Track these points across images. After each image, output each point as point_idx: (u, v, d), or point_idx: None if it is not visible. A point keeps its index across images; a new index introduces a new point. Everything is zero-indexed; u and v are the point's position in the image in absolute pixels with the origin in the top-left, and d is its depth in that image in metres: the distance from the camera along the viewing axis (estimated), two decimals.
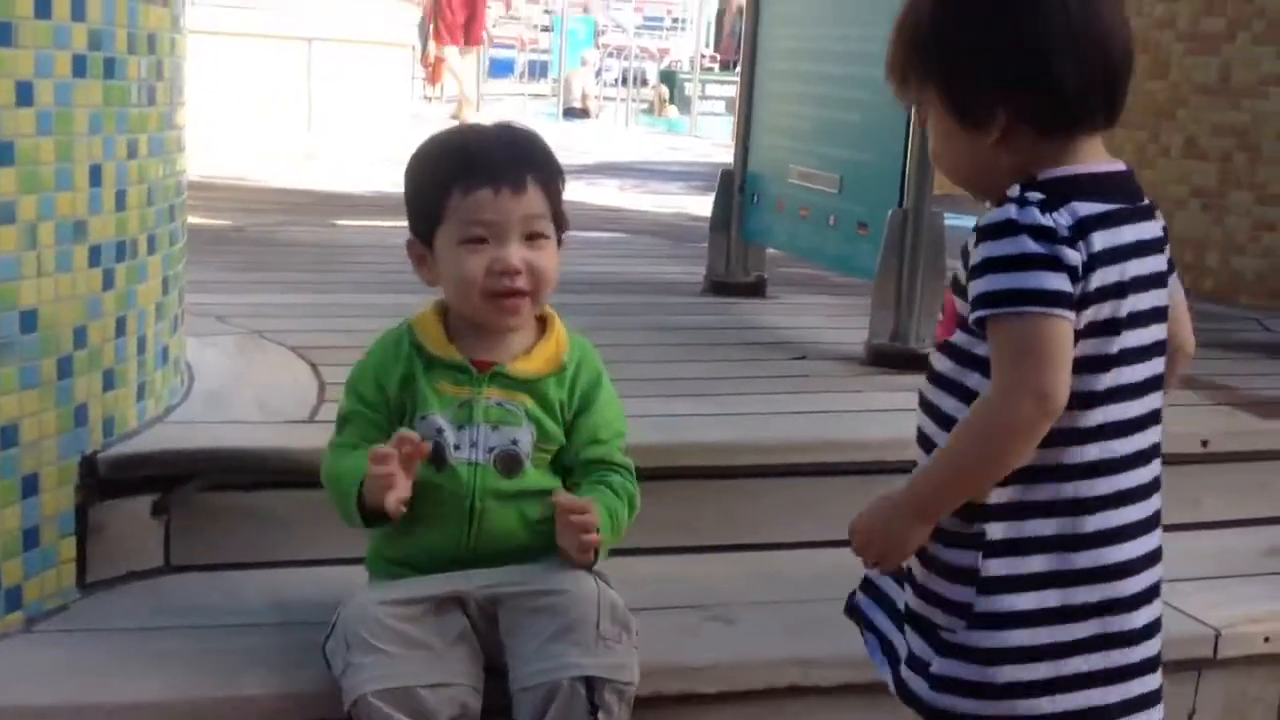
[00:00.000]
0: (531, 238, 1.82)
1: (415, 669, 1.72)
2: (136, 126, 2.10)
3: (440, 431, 1.82)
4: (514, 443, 1.84)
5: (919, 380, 1.58)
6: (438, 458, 1.81)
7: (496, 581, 1.82)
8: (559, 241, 1.87)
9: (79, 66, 1.95)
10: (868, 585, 1.69)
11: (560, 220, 1.87)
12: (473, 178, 1.79)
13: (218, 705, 1.82)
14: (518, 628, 1.79)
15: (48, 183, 1.91)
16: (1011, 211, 1.42)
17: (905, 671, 1.55)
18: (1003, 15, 1.47)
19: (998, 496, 1.46)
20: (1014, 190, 1.45)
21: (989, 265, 1.42)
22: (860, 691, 1.98)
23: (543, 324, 1.90)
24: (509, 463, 1.83)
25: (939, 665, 1.51)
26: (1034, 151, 1.49)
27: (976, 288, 1.42)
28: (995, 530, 1.47)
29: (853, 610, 1.71)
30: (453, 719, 1.72)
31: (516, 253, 1.80)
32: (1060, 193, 1.44)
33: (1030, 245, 1.41)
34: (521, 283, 1.80)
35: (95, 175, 2.00)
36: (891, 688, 1.60)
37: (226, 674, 1.86)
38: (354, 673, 1.71)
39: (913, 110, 1.61)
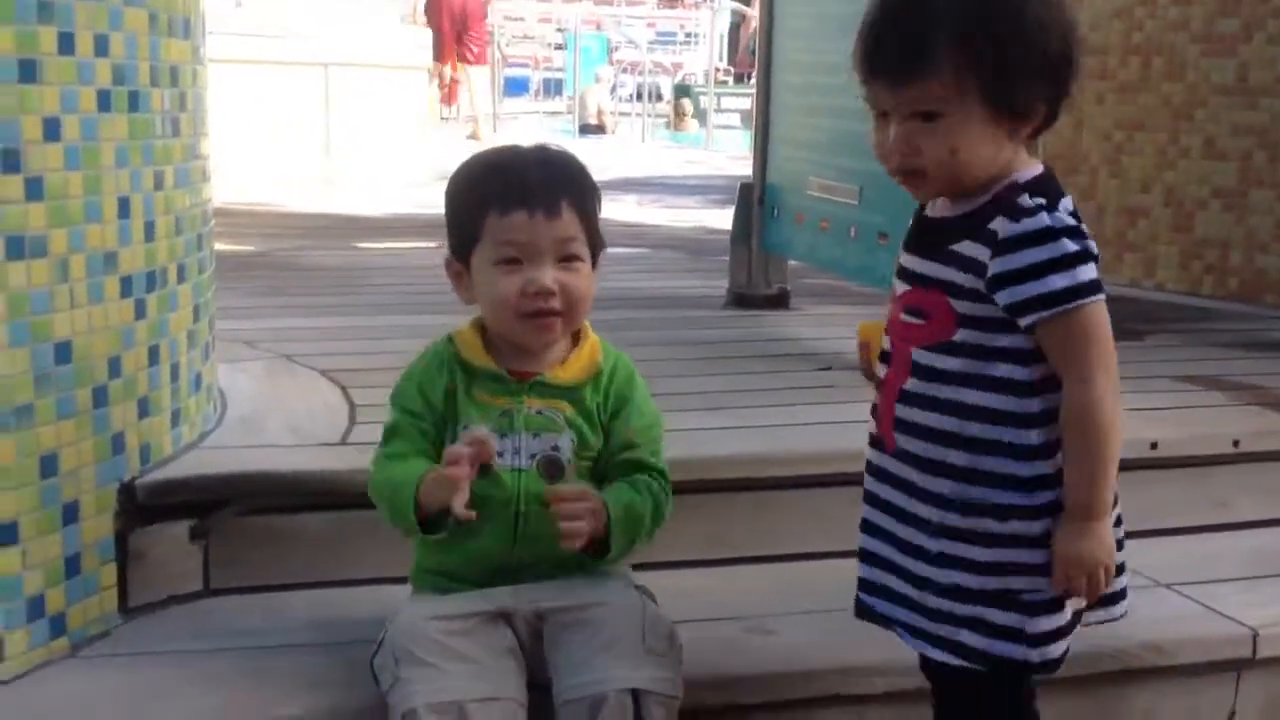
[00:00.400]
0: (566, 259, 1.84)
1: (464, 683, 1.72)
2: (162, 158, 2.13)
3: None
4: (555, 448, 1.86)
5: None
6: (483, 465, 1.83)
7: (541, 596, 1.84)
8: (595, 261, 1.89)
9: (104, 101, 1.98)
10: (867, 585, 1.74)
11: (596, 241, 1.88)
12: (509, 200, 1.81)
13: None
14: (561, 641, 1.81)
15: (77, 216, 1.93)
16: (1045, 219, 1.54)
17: (999, 646, 1.61)
18: (1047, 6, 1.55)
19: (1051, 468, 1.60)
20: (1025, 199, 1.55)
21: (1040, 269, 1.53)
22: (902, 699, 1.99)
23: (577, 335, 1.92)
24: (551, 467, 1.85)
25: (1033, 624, 1.61)
26: (1017, 150, 1.60)
27: (1029, 290, 1.53)
28: (1052, 497, 1.60)
29: (865, 612, 1.75)
30: None
31: (550, 274, 1.82)
32: (1051, 192, 1.58)
33: (1070, 245, 1.54)
34: (555, 303, 1.82)
35: (124, 207, 2.03)
36: (946, 658, 1.65)
37: (271, 694, 1.88)
38: (403, 687, 1.72)
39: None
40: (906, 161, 1.59)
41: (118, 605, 2.07)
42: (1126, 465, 2.59)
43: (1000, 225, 1.55)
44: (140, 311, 2.08)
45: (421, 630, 1.78)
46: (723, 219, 4.19)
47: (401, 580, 1.97)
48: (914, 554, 1.66)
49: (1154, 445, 2.62)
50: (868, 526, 1.74)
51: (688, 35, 28.99)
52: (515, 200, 1.81)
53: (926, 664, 1.73)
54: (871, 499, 1.73)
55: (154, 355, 2.13)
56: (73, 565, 1.97)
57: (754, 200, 3.95)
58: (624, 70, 21.62)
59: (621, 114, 20.27)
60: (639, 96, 19.43)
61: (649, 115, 18.70)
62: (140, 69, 2.06)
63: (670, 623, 1.84)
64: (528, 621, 1.84)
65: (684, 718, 1.79)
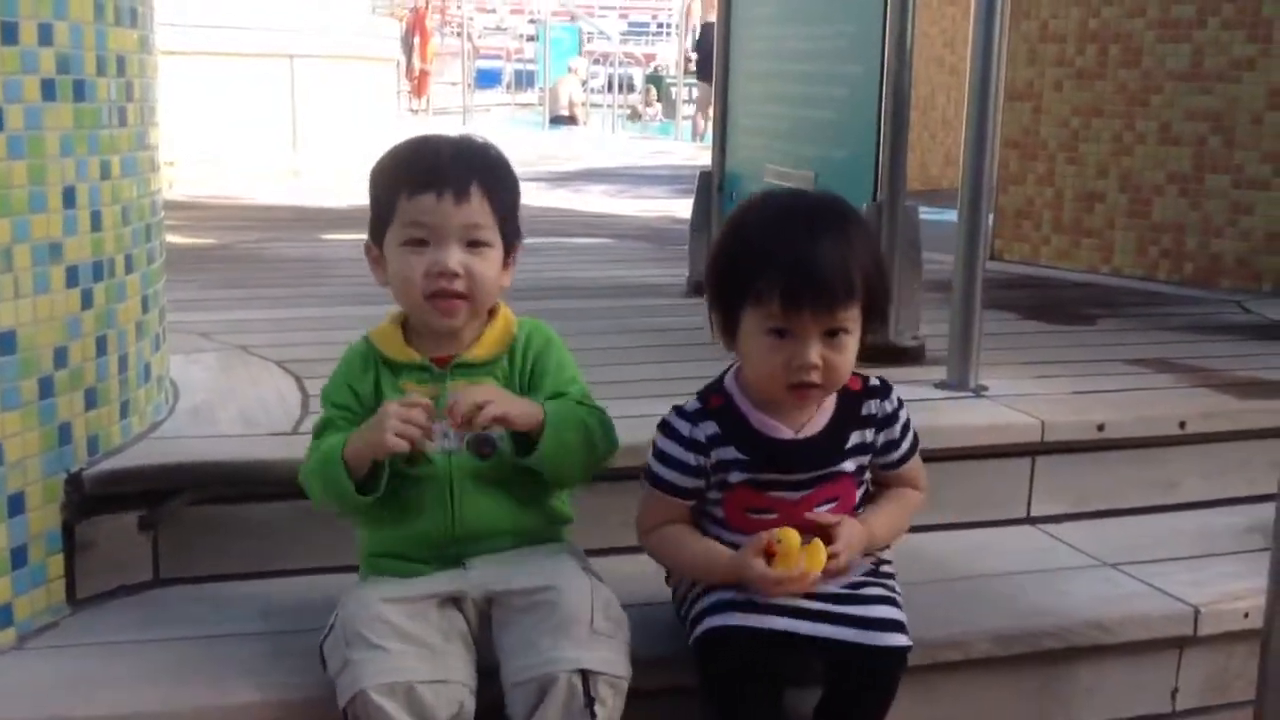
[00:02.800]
0: (473, 244, 1.85)
1: (414, 665, 1.74)
2: (108, 148, 2.12)
3: None
4: (485, 427, 1.87)
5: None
6: (413, 452, 1.84)
7: (491, 580, 1.86)
8: (509, 251, 1.91)
9: (48, 90, 1.97)
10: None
11: (510, 230, 1.90)
12: (419, 182, 1.84)
13: (211, 714, 1.84)
14: (511, 624, 1.82)
15: (21, 206, 1.93)
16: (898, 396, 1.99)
17: (895, 638, 1.84)
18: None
19: None
20: (872, 381, 1.97)
21: (906, 427, 1.99)
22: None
23: (491, 313, 1.93)
24: (482, 445, 1.86)
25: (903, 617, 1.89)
26: None
27: (909, 440, 1.99)
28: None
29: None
30: (451, 717, 1.74)
31: (455, 257, 1.83)
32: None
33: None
34: (459, 286, 1.84)
35: (69, 197, 2.02)
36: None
37: (219, 683, 1.88)
38: (352, 669, 1.73)
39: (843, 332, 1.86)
40: (819, 374, 1.83)
41: (66, 596, 2.07)
42: (1074, 447, 2.66)
43: (876, 407, 1.94)
44: (87, 302, 2.08)
45: (371, 613, 1.78)
46: (689, 208, 4.20)
47: (352, 569, 1.98)
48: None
49: (1101, 427, 2.65)
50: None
51: (660, 26, 29.00)
52: (424, 183, 1.83)
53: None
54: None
55: (102, 346, 2.13)
56: (19, 556, 1.97)
57: (713, 188, 3.97)
58: (596, 61, 21.61)
59: (593, 105, 20.26)
60: (610, 88, 19.43)
61: (619, 107, 18.69)
62: (86, 58, 2.06)
63: (619, 605, 1.86)
64: (477, 605, 1.86)
65: (631, 698, 1.81)
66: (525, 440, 1.83)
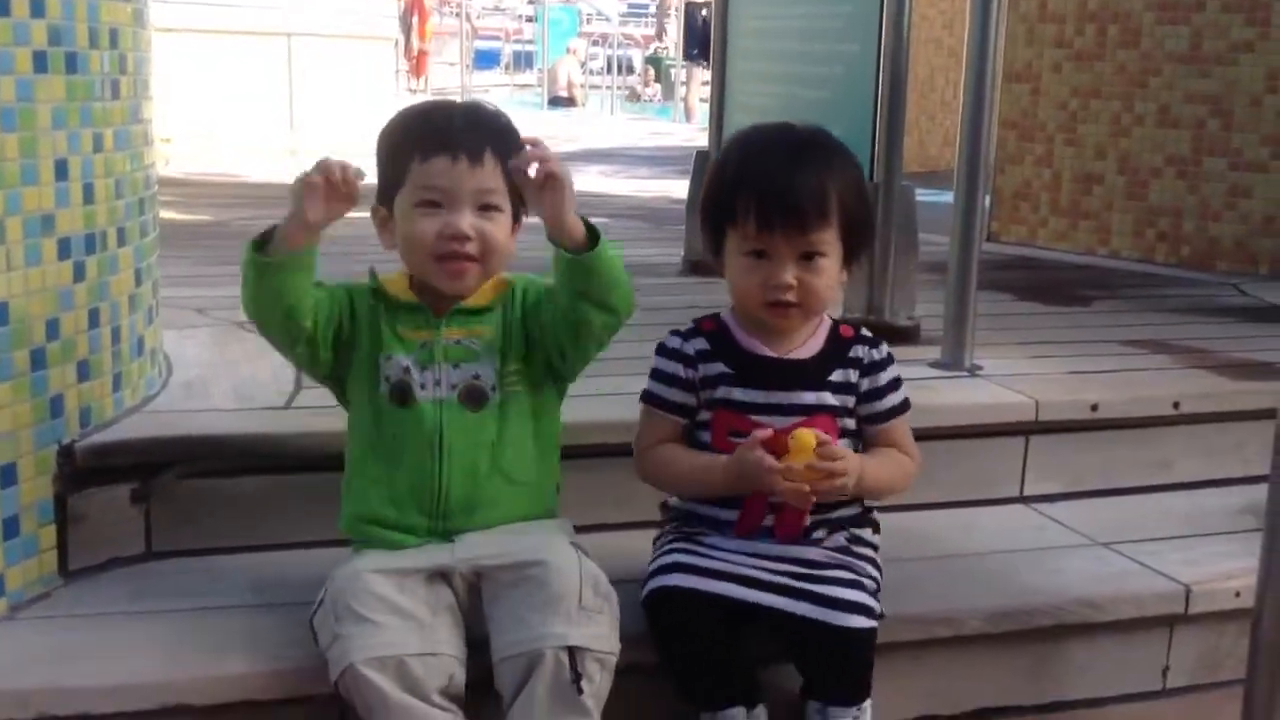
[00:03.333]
0: (485, 208, 1.86)
1: (404, 638, 1.74)
2: (101, 120, 2.12)
3: (406, 370, 1.89)
4: (476, 377, 1.89)
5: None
6: (404, 395, 1.88)
7: (480, 555, 1.86)
8: (517, 218, 1.91)
9: (40, 62, 1.96)
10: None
11: (520, 199, 1.90)
12: (433, 145, 1.85)
13: (201, 684, 1.84)
14: (500, 599, 1.82)
15: (13, 178, 1.93)
16: (887, 347, 2.04)
17: (855, 619, 1.85)
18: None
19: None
20: (865, 331, 2.03)
21: (896, 384, 2.01)
22: None
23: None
24: (473, 395, 1.89)
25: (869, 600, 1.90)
26: None
27: (897, 398, 2.01)
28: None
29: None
30: (440, 689, 1.74)
31: (468, 219, 1.85)
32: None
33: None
34: (471, 249, 1.85)
35: (61, 170, 2.02)
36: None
37: (209, 654, 1.89)
38: (342, 643, 1.74)
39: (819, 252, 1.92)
40: (795, 294, 1.90)
41: (58, 567, 2.07)
42: (1068, 427, 2.66)
43: (864, 353, 1.99)
44: (79, 274, 2.07)
45: (361, 586, 1.79)
46: (685, 189, 4.19)
47: (343, 544, 1.98)
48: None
49: (1094, 407, 2.65)
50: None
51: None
52: (439, 145, 1.84)
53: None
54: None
55: (94, 318, 2.12)
56: (11, 527, 1.97)
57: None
58: (595, 42, 21.55)
59: (592, 87, 20.21)
60: (609, 69, 19.38)
61: (618, 89, 18.65)
62: (78, 30, 2.05)
63: (608, 582, 1.85)
64: (466, 579, 1.87)
65: (619, 673, 1.81)
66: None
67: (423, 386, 1.88)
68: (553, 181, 1.78)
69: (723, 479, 1.92)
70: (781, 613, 1.86)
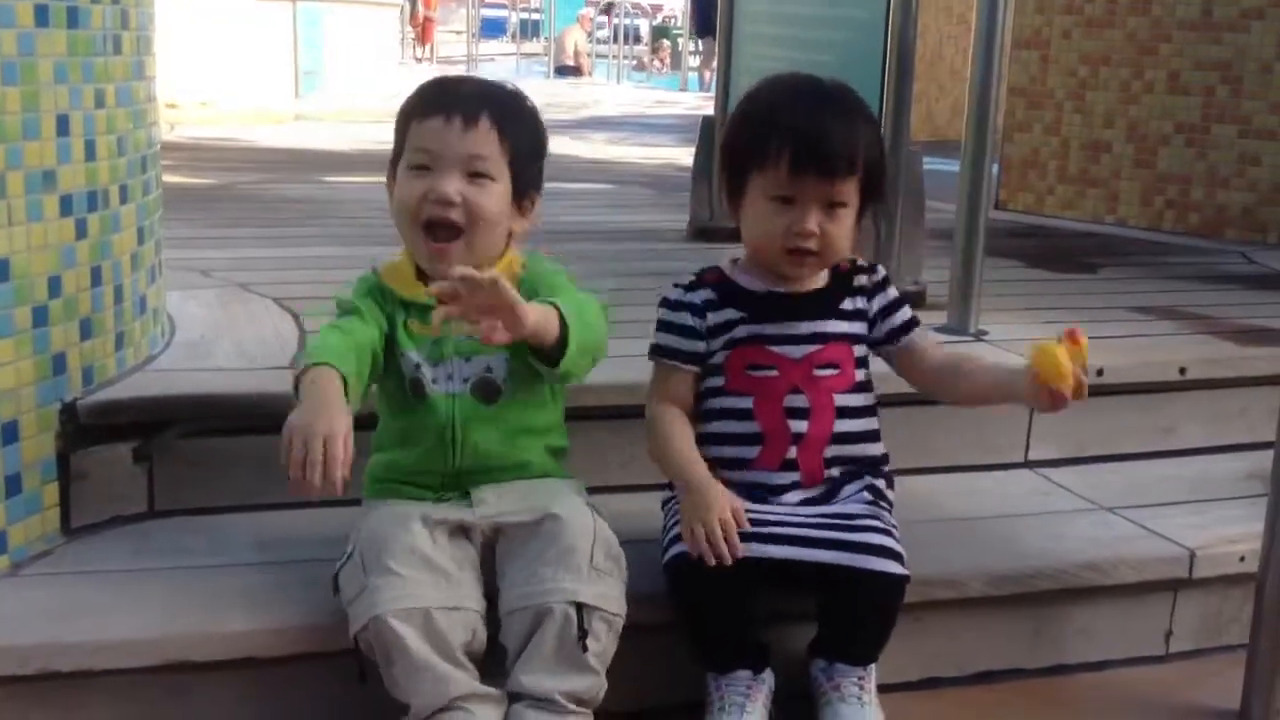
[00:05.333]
0: (476, 175, 1.82)
1: (431, 592, 1.73)
2: (103, 76, 2.10)
3: (418, 367, 1.88)
4: (488, 370, 1.87)
5: None
6: (418, 388, 1.87)
7: (497, 510, 1.86)
8: (524, 199, 1.88)
9: (41, 16, 1.95)
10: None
11: (524, 174, 1.86)
12: (430, 106, 1.83)
13: (201, 641, 1.84)
14: (513, 553, 1.82)
15: (14, 133, 1.91)
16: (883, 270, 2.07)
17: (890, 565, 1.86)
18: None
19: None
20: (860, 261, 2.04)
21: (901, 301, 2.05)
22: None
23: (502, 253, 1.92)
24: (486, 389, 1.87)
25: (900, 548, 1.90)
26: None
27: (908, 312, 2.05)
28: None
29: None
30: (464, 644, 1.74)
31: (454, 184, 1.81)
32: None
33: None
34: (455, 215, 1.81)
35: (63, 125, 2.00)
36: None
37: (210, 611, 1.89)
38: (370, 595, 1.72)
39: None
40: (816, 242, 1.91)
41: (60, 525, 2.07)
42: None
43: (865, 279, 2.02)
44: (81, 231, 2.06)
45: (392, 538, 1.77)
46: (691, 156, 4.17)
47: (348, 504, 1.96)
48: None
49: (1100, 372, 2.63)
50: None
51: None
52: (435, 106, 1.82)
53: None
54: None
55: (96, 276, 2.11)
56: (13, 484, 1.96)
57: (715, 134, 3.93)
58: (602, 11, 21.44)
59: (599, 56, 20.11)
60: (616, 38, 19.28)
61: (625, 58, 18.56)
62: None
63: (619, 544, 1.85)
64: (484, 534, 1.86)
65: (624, 632, 1.81)
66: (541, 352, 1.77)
67: (434, 381, 1.87)
68: (491, 315, 1.65)
69: (683, 482, 1.92)
70: (815, 564, 1.84)
